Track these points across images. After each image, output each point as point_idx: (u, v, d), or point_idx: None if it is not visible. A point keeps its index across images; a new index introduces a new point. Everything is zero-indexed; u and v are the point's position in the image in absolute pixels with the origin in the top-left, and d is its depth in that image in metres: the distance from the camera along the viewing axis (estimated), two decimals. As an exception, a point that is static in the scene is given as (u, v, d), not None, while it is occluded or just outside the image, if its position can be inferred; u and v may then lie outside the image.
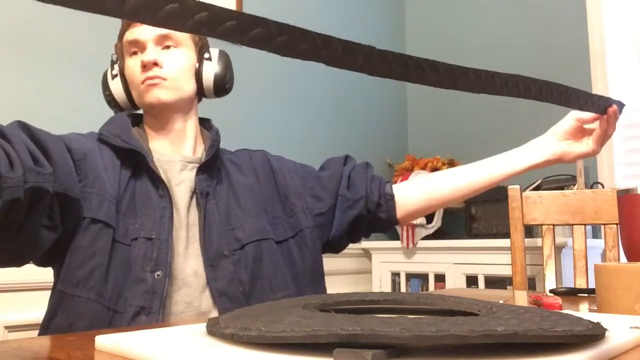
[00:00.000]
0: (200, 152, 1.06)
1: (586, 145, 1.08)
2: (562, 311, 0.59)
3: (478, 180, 1.11)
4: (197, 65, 1.04)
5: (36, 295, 1.49)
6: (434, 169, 2.63)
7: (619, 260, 1.37)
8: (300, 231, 1.06)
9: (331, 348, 0.40)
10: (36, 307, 1.47)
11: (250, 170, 1.09)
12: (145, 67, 0.97)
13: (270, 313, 0.53)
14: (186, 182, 1.00)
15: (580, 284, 1.39)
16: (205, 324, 0.54)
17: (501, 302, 0.64)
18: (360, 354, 0.39)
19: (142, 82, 0.98)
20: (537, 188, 2.19)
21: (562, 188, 2.10)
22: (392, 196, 1.12)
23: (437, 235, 2.48)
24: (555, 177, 2.31)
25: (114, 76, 1.04)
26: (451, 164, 2.69)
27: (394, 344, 0.40)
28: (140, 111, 1.08)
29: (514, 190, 1.48)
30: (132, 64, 1.01)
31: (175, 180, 0.99)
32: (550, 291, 1.12)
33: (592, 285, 1.05)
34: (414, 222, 2.41)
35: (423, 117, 3.03)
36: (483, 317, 0.49)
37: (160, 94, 0.98)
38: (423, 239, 2.45)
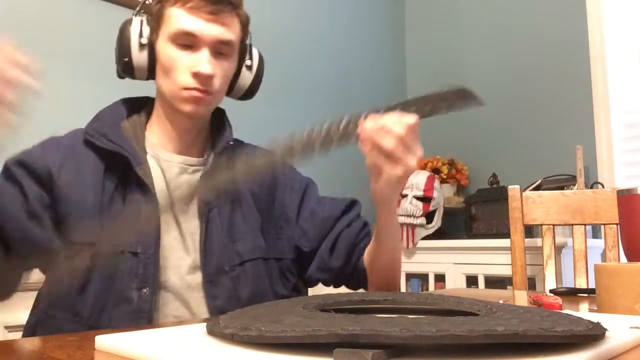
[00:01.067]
0: (206, 153, 0.98)
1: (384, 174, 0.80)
2: (562, 311, 0.59)
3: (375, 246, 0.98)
4: (234, 71, 0.95)
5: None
6: (434, 169, 2.64)
7: (619, 260, 1.37)
8: (281, 260, 0.99)
9: (331, 348, 0.40)
10: (36, 307, 1.47)
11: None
12: (197, 75, 0.87)
13: (270, 313, 0.53)
14: (184, 186, 0.94)
15: (580, 284, 1.39)
16: (205, 324, 0.54)
17: (501, 302, 0.64)
18: (360, 353, 0.39)
19: (187, 89, 0.87)
20: (537, 188, 2.19)
21: (562, 188, 2.10)
22: (365, 270, 1.00)
23: (437, 235, 2.48)
24: (555, 177, 2.31)
25: (142, 45, 0.90)
26: (451, 164, 2.69)
27: (394, 344, 0.40)
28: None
29: (514, 190, 1.48)
30: (179, 58, 0.87)
31: (173, 183, 0.93)
32: (550, 291, 1.12)
33: (592, 285, 1.05)
34: (414, 222, 2.41)
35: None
36: (483, 317, 0.49)
37: (201, 109, 0.90)
38: (423, 239, 2.45)
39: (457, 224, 2.58)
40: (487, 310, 0.55)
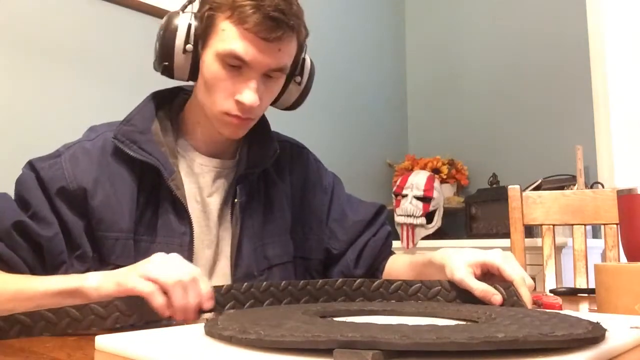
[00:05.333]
0: (237, 153, 0.93)
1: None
2: (562, 311, 0.59)
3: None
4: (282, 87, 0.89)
5: (36, 295, 1.49)
6: (434, 169, 2.64)
7: (619, 260, 1.37)
8: (308, 259, 0.97)
9: (330, 353, 0.40)
10: (36, 307, 1.47)
11: (287, 173, 0.98)
12: (241, 104, 0.80)
13: (269, 317, 0.53)
14: (219, 191, 0.89)
15: (580, 284, 1.39)
16: (204, 324, 0.54)
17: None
18: (360, 354, 0.39)
19: (228, 114, 0.82)
20: (537, 188, 2.19)
21: (562, 188, 2.10)
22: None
23: (437, 235, 2.48)
24: (555, 177, 2.31)
25: (186, 50, 0.81)
26: (451, 164, 2.69)
27: (393, 351, 0.40)
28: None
29: (514, 190, 1.48)
30: (225, 79, 0.80)
31: (208, 190, 0.89)
32: (550, 291, 1.12)
33: (592, 285, 1.05)
34: (414, 222, 2.41)
35: (423, 117, 3.03)
36: (482, 323, 0.49)
37: (238, 133, 0.85)
38: (423, 239, 2.45)
39: (457, 224, 2.58)
40: (486, 317, 0.55)
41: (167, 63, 0.83)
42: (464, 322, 0.51)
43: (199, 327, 0.57)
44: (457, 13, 2.93)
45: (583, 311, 0.81)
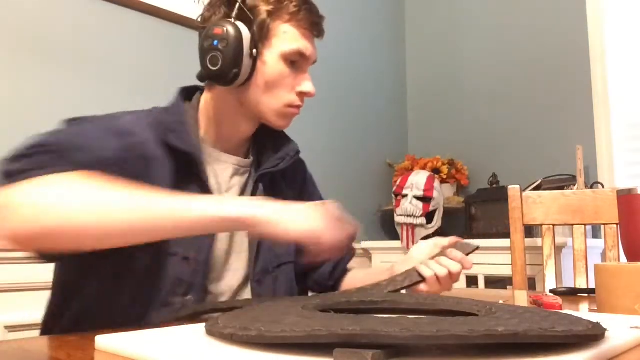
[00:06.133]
0: (250, 152, 0.98)
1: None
2: (562, 311, 0.59)
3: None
4: None
5: (36, 295, 1.49)
6: (434, 169, 2.64)
7: (619, 260, 1.37)
8: (297, 263, 1.00)
9: (331, 348, 0.40)
10: (36, 307, 1.47)
11: (291, 182, 1.04)
12: (305, 94, 0.90)
13: (269, 313, 0.53)
14: (236, 188, 0.93)
15: (580, 284, 1.39)
16: (204, 324, 0.54)
17: (501, 302, 0.64)
18: (360, 354, 0.39)
19: (290, 106, 0.90)
20: (537, 188, 2.19)
21: (562, 188, 2.10)
22: (339, 287, 1.10)
23: (437, 235, 2.47)
24: (555, 177, 2.31)
25: (252, 56, 0.85)
26: (451, 164, 2.69)
27: (394, 344, 0.40)
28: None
29: (514, 190, 1.48)
30: (288, 75, 0.88)
31: (226, 185, 0.92)
32: (550, 291, 1.12)
33: (592, 285, 1.05)
34: (414, 222, 2.41)
35: (423, 117, 3.03)
36: (483, 317, 0.49)
37: (290, 123, 0.93)
38: (423, 239, 2.45)
39: (457, 224, 2.58)
40: (486, 311, 0.55)
41: (236, 70, 0.85)
42: (464, 316, 0.51)
43: (199, 327, 0.57)
44: (457, 13, 2.93)
45: (583, 311, 0.81)
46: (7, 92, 1.59)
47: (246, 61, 0.85)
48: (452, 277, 0.88)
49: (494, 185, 2.52)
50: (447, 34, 2.96)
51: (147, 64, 1.87)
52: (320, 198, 1.11)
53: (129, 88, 1.83)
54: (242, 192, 0.93)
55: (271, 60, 0.87)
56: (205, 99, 0.93)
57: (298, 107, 0.91)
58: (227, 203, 0.71)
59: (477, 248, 0.91)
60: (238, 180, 0.93)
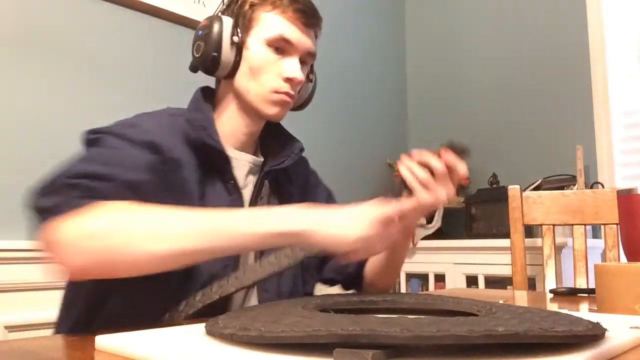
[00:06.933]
0: (259, 151, 1.00)
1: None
2: (562, 311, 0.59)
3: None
4: None
5: (36, 295, 1.49)
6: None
7: (619, 260, 1.37)
8: (308, 257, 0.99)
9: (331, 348, 0.40)
10: (36, 307, 1.47)
11: (293, 179, 1.04)
12: (290, 80, 0.89)
13: (269, 313, 0.53)
14: (250, 185, 0.94)
15: (580, 284, 1.39)
16: (204, 324, 0.54)
17: (501, 302, 0.64)
18: (360, 354, 0.38)
19: (277, 92, 0.90)
20: (537, 188, 2.19)
21: (562, 188, 2.10)
22: (362, 277, 1.08)
23: (437, 235, 2.46)
24: (555, 177, 2.31)
25: (233, 43, 0.89)
26: (451, 164, 2.69)
27: (394, 344, 0.40)
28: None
29: (514, 190, 1.48)
30: (272, 61, 0.89)
31: (242, 182, 0.93)
32: (551, 291, 1.12)
33: (592, 285, 1.05)
34: (414, 222, 2.41)
35: (423, 117, 3.03)
36: (483, 317, 0.49)
37: (283, 113, 0.93)
38: (423, 239, 2.42)
39: (457, 224, 2.58)
40: (486, 311, 0.55)
41: (215, 54, 0.88)
42: (464, 316, 0.51)
43: (199, 327, 0.57)
44: (457, 13, 2.93)
45: (583, 311, 0.81)
46: (7, 92, 1.59)
47: (227, 47, 0.88)
48: (439, 179, 0.80)
49: (494, 185, 2.52)
50: (447, 34, 2.96)
51: (147, 64, 1.87)
52: (325, 190, 1.12)
53: (129, 88, 1.83)
54: (258, 191, 0.94)
55: (254, 47, 0.89)
56: (216, 98, 0.97)
57: (287, 94, 0.90)
58: (278, 216, 0.71)
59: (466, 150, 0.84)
60: (252, 179, 0.95)
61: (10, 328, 1.46)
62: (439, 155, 0.82)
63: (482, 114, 2.77)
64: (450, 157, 0.81)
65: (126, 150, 0.79)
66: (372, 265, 1.06)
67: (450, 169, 0.81)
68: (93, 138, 0.81)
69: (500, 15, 2.75)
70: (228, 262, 0.85)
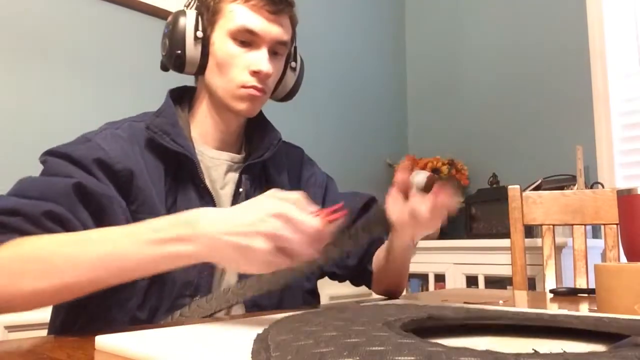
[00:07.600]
0: (243, 150, 0.98)
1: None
2: (564, 311, 0.58)
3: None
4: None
5: (36, 295, 1.49)
6: (434, 169, 2.63)
7: (619, 260, 1.37)
8: None
9: None
10: (36, 307, 1.47)
11: (284, 169, 1.01)
12: (257, 74, 0.86)
13: (340, 336, 0.40)
14: (230, 184, 0.92)
15: (580, 284, 1.39)
16: (204, 324, 0.54)
17: (501, 302, 0.64)
18: None
19: (245, 87, 0.87)
20: (537, 188, 2.19)
21: (562, 188, 2.10)
22: (371, 272, 1.03)
23: (437, 235, 2.47)
24: (555, 177, 2.31)
25: (197, 38, 0.87)
26: (451, 164, 2.69)
27: None
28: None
29: (514, 190, 1.48)
30: (238, 55, 0.86)
31: (220, 182, 0.91)
32: (551, 291, 1.12)
33: (592, 285, 1.05)
34: (414, 222, 2.41)
35: (423, 117, 3.03)
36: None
37: (254, 108, 0.90)
38: (423, 239, 2.44)
39: (457, 224, 2.58)
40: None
41: (179, 52, 0.87)
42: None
43: (199, 327, 0.57)
44: (457, 13, 2.93)
45: (583, 311, 0.81)
46: (7, 92, 1.59)
47: (190, 43, 0.87)
48: (420, 219, 0.77)
49: (494, 185, 2.52)
50: (447, 34, 2.96)
51: (147, 64, 1.86)
52: (322, 175, 1.09)
53: (129, 88, 1.83)
54: (237, 188, 0.92)
55: (219, 41, 0.87)
56: (194, 97, 0.95)
57: (255, 88, 0.87)
58: (152, 226, 0.64)
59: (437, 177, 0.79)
60: (232, 176, 0.93)
61: (10, 328, 1.46)
62: (432, 186, 0.79)
63: (482, 114, 2.77)
64: (443, 197, 0.78)
65: (58, 175, 0.75)
66: (377, 259, 1.02)
67: (441, 207, 0.78)
68: (42, 160, 0.79)
69: (500, 16, 2.75)
70: (203, 267, 0.82)
